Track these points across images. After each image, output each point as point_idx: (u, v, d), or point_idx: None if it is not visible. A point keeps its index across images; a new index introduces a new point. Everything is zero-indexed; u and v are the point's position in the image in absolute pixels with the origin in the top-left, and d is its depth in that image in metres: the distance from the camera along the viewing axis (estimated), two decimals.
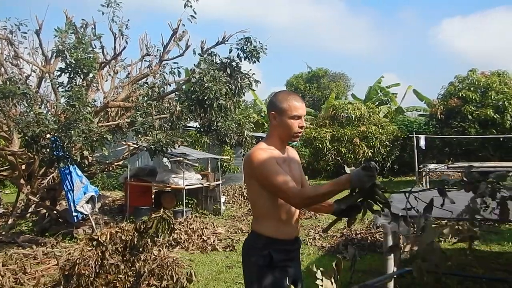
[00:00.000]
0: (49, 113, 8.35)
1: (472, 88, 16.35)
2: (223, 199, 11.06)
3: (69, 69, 7.19)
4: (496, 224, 7.67)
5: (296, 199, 2.08)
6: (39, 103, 8.06)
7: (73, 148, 6.86)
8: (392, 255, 4.01)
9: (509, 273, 5.08)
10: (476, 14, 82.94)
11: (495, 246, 6.49)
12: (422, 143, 14.93)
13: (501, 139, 15.78)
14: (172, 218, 5.15)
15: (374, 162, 1.87)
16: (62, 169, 7.35)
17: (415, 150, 14.64)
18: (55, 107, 8.23)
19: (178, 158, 9.88)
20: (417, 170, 14.19)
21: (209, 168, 13.62)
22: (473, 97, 15.99)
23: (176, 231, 7.03)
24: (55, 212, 8.37)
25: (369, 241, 6.84)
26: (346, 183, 1.92)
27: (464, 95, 16.23)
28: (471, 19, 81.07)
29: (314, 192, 2.09)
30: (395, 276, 4.10)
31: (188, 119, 9.43)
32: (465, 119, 15.99)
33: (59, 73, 7.49)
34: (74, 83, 7.40)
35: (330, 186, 2.00)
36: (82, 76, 7.44)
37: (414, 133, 15.86)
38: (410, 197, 1.85)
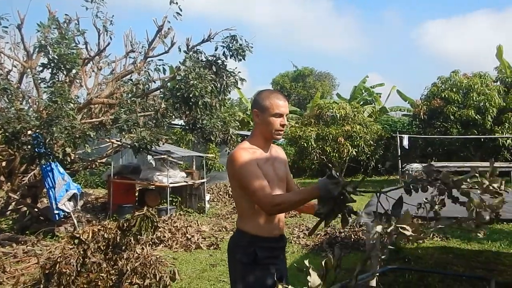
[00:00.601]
0: (31, 109, 8.21)
1: (454, 89, 16.60)
2: (207, 197, 11.03)
3: (52, 65, 7.09)
4: None
5: (267, 206, 2.11)
6: (20, 99, 7.92)
7: (55, 145, 6.76)
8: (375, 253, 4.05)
9: (488, 271, 5.17)
10: (458, 16, 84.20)
11: (475, 244, 6.60)
12: (406, 142, 15.12)
13: (482, 139, 16.06)
14: (156, 216, 5.11)
15: (335, 171, 1.90)
16: (44, 166, 7.24)
17: (399, 150, 14.80)
18: (37, 103, 8.10)
19: (162, 156, 9.81)
20: (400, 169, 14.36)
21: (194, 166, 13.56)
22: (455, 98, 16.24)
23: (159, 229, 6.98)
24: (36, 210, 8.24)
25: (352, 240, 6.89)
26: (315, 191, 1.96)
27: (446, 95, 16.47)
28: (453, 21, 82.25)
29: (285, 201, 2.10)
30: (377, 274, 4.14)
31: (173, 117, 9.37)
32: (448, 120, 16.23)
33: (41, 68, 7.38)
34: (57, 79, 7.29)
35: (301, 195, 2.08)
36: (65, 72, 7.33)
37: (397, 132, 16.05)
38: (383, 197, 1.88)
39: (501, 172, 15.24)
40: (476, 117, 15.65)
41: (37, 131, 6.59)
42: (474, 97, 15.85)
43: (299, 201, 2.09)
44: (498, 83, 17.45)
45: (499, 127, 15.73)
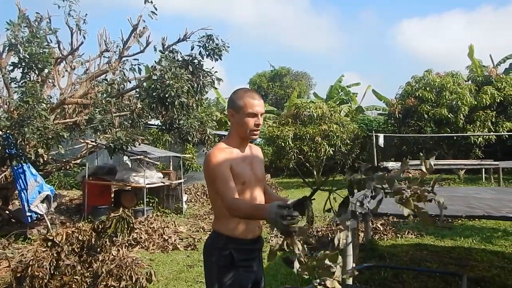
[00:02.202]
0: (1, 109, 8.01)
1: (428, 88, 16.92)
2: (185, 197, 10.95)
3: (23, 64, 6.93)
4: (450, 220, 7.98)
5: (228, 209, 2.12)
6: None
7: (27, 146, 6.61)
8: (351, 251, 4.10)
9: (460, 267, 5.29)
10: (434, 15, 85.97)
11: (448, 241, 6.74)
12: (381, 141, 15.33)
13: (454, 137, 16.43)
14: (132, 217, 5.05)
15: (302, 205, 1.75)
16: (15, 167, 7.07)
17: (374, 148, 15.01)
18: (7, 103, 7.89)
19: (138, 157, 9.70)
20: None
21: (171, 167, 13.46)
22: (429, 97, 16.55)
23: (136, 231, 6.90)
24: (7, 212, 8.05)
25: (329, 238, 6.95)
26: (264, 215, 1.89)
27: (420, 94, 16.78)
28: (429, 20, 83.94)
29: (243, 210, 2.09)
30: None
31: (149, 117, 9.28)
32: (422, 118, 16.54)
33: (11, 68, 7.20)
34: (28, 79, 7.13)
35: (253, 210, 2.06)
36: (36, 72, 7.18)
37: (373, 131, 16.26)
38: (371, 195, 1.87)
39: (473, 170, 15.65)
40: (449, 115, 15.98)
41: (8, 131, 6.42)
42: (446, 96, 16.19)
43: (250, 216, 2.11)
44: (470, 82, 17.88)
45: (471, 125, 16.11)
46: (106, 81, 8.86)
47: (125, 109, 8.61)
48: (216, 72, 8.84)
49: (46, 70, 7.32)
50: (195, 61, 8.58)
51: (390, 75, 66.70)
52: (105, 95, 8.38)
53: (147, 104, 8.27)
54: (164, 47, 8.67)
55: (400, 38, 77.48)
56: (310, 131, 16.48)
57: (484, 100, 15.97)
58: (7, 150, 6.59)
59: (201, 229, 8.30)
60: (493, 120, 16.17)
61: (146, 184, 9.64)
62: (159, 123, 9.70)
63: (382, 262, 5.52)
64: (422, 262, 5.58)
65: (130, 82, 9.11)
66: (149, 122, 11.02)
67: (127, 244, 6.58)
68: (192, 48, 8.58)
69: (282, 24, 75.63)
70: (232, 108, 2.30)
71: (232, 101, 2.32)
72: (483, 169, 15.15)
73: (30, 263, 4.21)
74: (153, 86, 7.94)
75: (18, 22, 7.07)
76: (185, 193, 11.48)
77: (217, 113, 21.36)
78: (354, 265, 4.17)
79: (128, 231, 4.86)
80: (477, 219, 7.68)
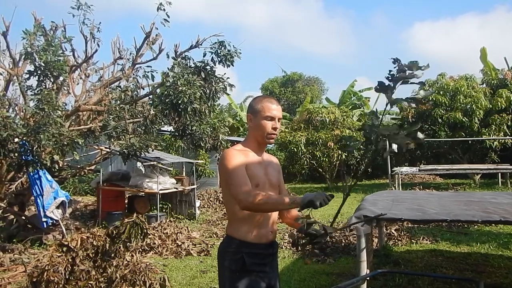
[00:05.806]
0: (18, 116, 8.13)
1: (441, 92, 16.73)
2: (198, 203, 10.98)
3: (38, 72, 7.05)
4: (466, 226, 7.87)
5: (242, 201, 2.11)
6: (7, 107, 7.84)
7: (43, 153, 6.70)
8: (365, 257, 4.06)
9: (477, 273, 5.21)
10: (447, 19, 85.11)
11: (464, 247, 6.65)
12: (395, 146, 15.20)
13: (469, 141, 16.22)
14: (146, 223, 5.07)
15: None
16: (31, 173, 7.17)
17: (388, 154, 14.88)
18: (23, 110, 8.02)
19: (152, 162, 9.76)
20: (389, 173, 14.45)
21: (184, 172, 13.51)
22: (443, 101, 16.36)
23: (149, 236, 6.93)
24: (23, 217, 8.14)
25: (343, 244, 6.91)
26: (297, 201, 2.04)
27: (434, 98, 16.60)
28: (441, 24, 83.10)
29: (263, 202, 2.09)
30: (368, 278, 4.15)
31: (162, 123, 9.34)
32: (435, 122, 16.36)
33: (27, 76, 7.32)
34: (44, 86, 7.25)
35: (282, 198, 2.15)
36: (52, 79, 7.30)
37: None
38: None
39: (488, 174, 15.43)
40: (464, 119, 15.77)
41: (24, 138, 6.52)
42: (461, 100, 15.98)
43: (279, 203, 2.16)
44: (484, 85, 17.65)
45: (486, 129, 15.88)
46: (119, 88, 8.96)
47: (139, 116, 8.69)
48: (228, 78, 8.90)
49: (61, 78, 7.44)
50: (207, 67, 8.64)
51: None
52: (118, 102, 8.47)
53: (160, 111, 8.34)
54: (177, 54, 8.75)
55: (413, 41, 76.83)
56: (323, 136, 16.44)
57: (499, 104, 15.74)
58: (23, 157, 6.68)
59: (214, 235, 8.31)
60: (509, 123, 15.91)
61: (159, 190, 9.69)
62: (172, 129, 9.76)
63: (396, 268, 5.47)
64: (438, 268, 5.51)
65: (143, 89, 9.20)
66: (162, 129, 11.10)
67: (140, 249, 6.62)
68: (204, 55, 8.65)
69: (295, 28, 75.63)
70: (251, 113, 2.36)
71: (251, 106, 2.38)
72: (499, 174, 14.93)
73: (46, 268, 4.24)
74: (166, 92, 8.01)
75: (33, 31, 7.20)
76: (198, 199, 11.51)
77: (230, 119, 21.43)
78: (368, 271, 4.13)
79: (141, 237, 4.86)
80: (493, 225, 7.55)
